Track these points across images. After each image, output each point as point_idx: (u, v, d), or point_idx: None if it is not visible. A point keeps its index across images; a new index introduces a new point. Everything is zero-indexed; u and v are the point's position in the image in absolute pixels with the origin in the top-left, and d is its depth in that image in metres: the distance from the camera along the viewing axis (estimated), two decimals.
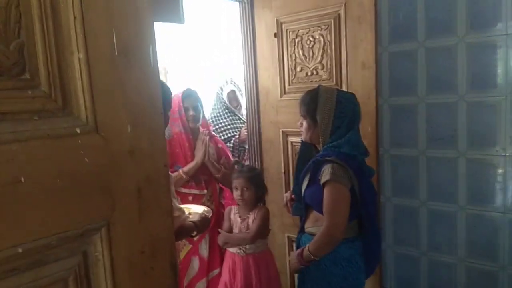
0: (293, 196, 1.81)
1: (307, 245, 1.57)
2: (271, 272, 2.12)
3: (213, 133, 2.49)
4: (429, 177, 2.42)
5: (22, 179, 0.59)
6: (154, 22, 0.77)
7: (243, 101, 2.91)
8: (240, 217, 2.11)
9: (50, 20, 0.61)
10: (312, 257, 1.55)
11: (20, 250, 0.59)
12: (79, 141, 0.65)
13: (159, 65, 0.78)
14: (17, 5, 0.58)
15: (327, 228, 1.51)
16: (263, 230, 2.05)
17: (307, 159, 1.65)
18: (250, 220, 2.07)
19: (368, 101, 1.97)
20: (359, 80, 2.00)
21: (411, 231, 2.54)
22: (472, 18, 2.14)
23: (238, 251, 2.07)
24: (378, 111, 2.06)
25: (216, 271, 2.26)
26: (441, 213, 2.41)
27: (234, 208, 2.16)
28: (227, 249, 2.13)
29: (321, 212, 1.55)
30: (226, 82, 2.92)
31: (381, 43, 2.42)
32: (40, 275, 0.62)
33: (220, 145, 2.35)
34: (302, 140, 1.74)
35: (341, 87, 2.05)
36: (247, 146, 2.75)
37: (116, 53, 0.69)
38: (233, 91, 2.91)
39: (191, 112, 2.19)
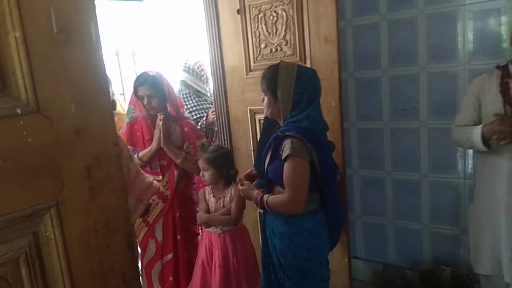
0: (253, 172, 1.82)
1: (267, 197, 1.63)
2: (247, 248, 2.15)
3: (185, 115, 2.44)
4: (393, 148, 2.50)
5: None
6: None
7: (201, 82, 2.87)
8: (214, 196, 2.13)
9: None
10: (267, 208, 1.64)
11: None
12: (21, 122, 0.64)
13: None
14: None
15: (288, 201, 1.55)
16: (242, 209, 2.07)
17: (270, 135, 1.67)
18: (227, 199, 2.08)
19: (331, 76, 1.99)
20: (322, 55, 2.01)
21: (378, 201, 2.63)
22: None
23: (215, 229, 2.09)
24: (342, 85, 2.08)
25: (170, 256, 2.28)
26: (405, 182, 2.50)
27: (207, 189, 2.17)
28: (204, 228, 2.16)
29: (283, 186, 1.58)
30: (184, 69, 2.84)
31: (345, 17, 2.44)
32: None
33: (186, 129, 2.31)
34: (264, 116, 1.75)
35: (305, 63, 2.06)
36: (216, 128, 2.73)
37: (55, 31, 0.68)
38: (183, 81, 2.85)
39: (145, 101, 2.15)
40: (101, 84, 0.75)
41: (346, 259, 2.20)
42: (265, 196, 1.64)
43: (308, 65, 2.06)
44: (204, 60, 2.78)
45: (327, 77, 1.98)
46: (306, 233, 1.64)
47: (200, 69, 2.85)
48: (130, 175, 1.18)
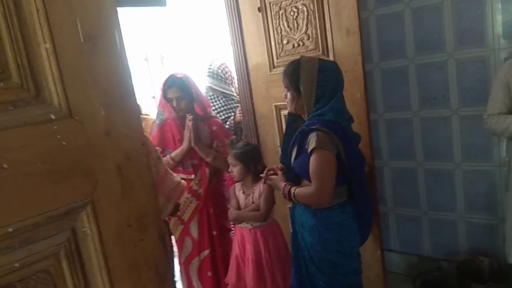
0: (281, 167, 1.83)
1: (295, 189, 1.64)
2: (279, 242, 2.18)
3: (212, 114, 2.50)
4: (424, 138, 2.45)
5: (5, 165, 0.64)
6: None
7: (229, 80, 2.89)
8: (243, 193, 2.17)
9: (14, 15, 0.65)
10: (294, 200, 1.66)
11: (10, 230, 0.64)
12: (55, 126, 0.69)
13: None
14: None
15: (314, 193, 1.56)
16: (271, 205, 2.11)
17: (294, 130, 1.68)
18: (256, 195, 2.12)
19: (355, 67, 1.98)
20: (345, 47, 2.00)
21: (410, 192, 2.58)
22: None
23: (246, 225, 2.13)
24: (367, 76, 2.07)
25: (206, 252, 2.33)
26: (438, 172, 2.45)
27: (237, 185, 2.22)
28: (235, 224, 2.21)
29: (310, 181, 1.59)
30: (208, 75, 2.88)
31: (368, 7, 2.41)
32: (33, 251, 0.68)
33: (215, 128, 2.36)
34: (288, 112, 1.76)
35: (328, 56, 2.06)
36: (243, 126, 2.77)
37: (82, 40, 0.72)
38: (208, 87, 2.88)
39: (174, 103, 2.21)
40: (127, 89, 0.79)
41: (379, 252, 2.18)
42: (293, 188, 1.65)
43: (331, 58, 2.05)
44: (228, 60, 2.81)
45: (351, 69, 1.97)
46: (335, 225, 1.65)
47: (224, 71, 2.88)
48: (159, 175, 1.23)
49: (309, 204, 1.64)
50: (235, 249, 2.21)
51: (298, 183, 1.70)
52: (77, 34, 0.72)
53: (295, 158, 1.66)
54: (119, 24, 0.78)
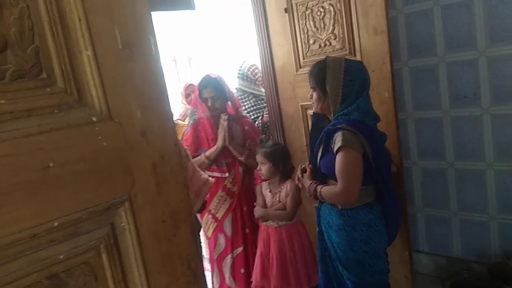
0: (310, 166, 1.84)
1: (321, 188, 1.66)
2: (304, 241, 2.20)
3: (243, 114, 2.54)
4: (454, 137, 2.40)
5: (51, 164, 0.69)
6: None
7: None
8: (270, 191, 2.20)
9: (58, 24, 0.70)
10: (320, 198, 1.67)
11: (56, 224, 0.70)
12: (96, 128, 0.74)
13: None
14: (28, 15, 0.67)
15: (340, 192, 1.56)
16: (298, 205, 2.13)
17: (320, 130, 1.69)
18: (283, 194, 2.14)
19: (383, 67, 1.97)
20: (372, 46, 1.99)
21: (440, 192, 2.54)
22: None
23: (272, 223, 2.16)
24: (395, 75, 2.05)
25: (240, 249, 2.37)
26: (469, 172, 2.40)
27: (264, 184, 2.25)
28: (261, 222, 2.24)
29: (337, 180, 1.60)
30: (238, 76, 2.92)
31: (395, 5, 2.39)
32: (76, 244, 0.73)
33: (247, 127, 2.40)
34: (313, 112, 1.78)
35: (355, 55, 2.06)
36: (270, 126, 2.81)
37: (120, 47, 0.77)
38: (238, 89, 2.90)
39: (208, 103, 2.25)
40: (161, 92, 0.83)
41: (407, 252, 2.16)
42: (319, 187, 1.67)
43: (358, 57, 2.05)
44: (255, 61, 2.84)
45: (379, 68, 1.96)
46: (362, 226, 1.65)
47: (253, 73, 2.92)
48: (188, 173, 1.28)
49: (336, 202, 1.65)
50: (260, 247, 2.25)
51: (325, 183, 1.71)
52: (115, 41, 0.76)
53: (321, 158, 1.67)
54: (154, 31, 0.82)
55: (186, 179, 0.90)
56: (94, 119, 0.74)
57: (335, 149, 1.55)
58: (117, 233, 0.78)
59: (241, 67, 2.89)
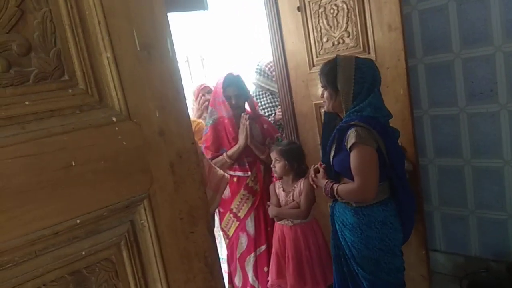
0: (322, 166, 1.83)
1: (337, 186, 1.66)
2: (319, 240, 2.20)
3: (260, 113, 2.55)
4: (471, 134, 2.37)
5: (73, 163, 0.71)
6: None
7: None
8: (284, 190, 2.20)
9: (79, 28, 0.72)
10: (337, 196, 1.67)
11: (78, 221, 0.72)
12: (116, 128, 0.76)
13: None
14: (51, 19, 0.70)
15: (358, 188, 1.55)
16: (312, 203, 2.13)
17: (331, 129, 1.70)
18: (296, 192, 2.14)
19: (398, 64, 1.96)
20: (386, 43, 1.98)
21: (457, 190, 2.51)
22: None
23: (286, 222, 2.16)
24: (410, 72, 2.04)
25: (263, 247, 2.37)
26: (486, 170, 2.36)
27: (277, 183, 2.26)
28: (276, 221, 2.24)
29: (351, 178, 1.60)
30: (256, 71, 2.93)
31: (409, 2, 2.36)
32: (97, 241, 0.75)
33: (265, 126, 2.41)
34: (325, 111, 1.79)
35: (369, 53, 2.05)
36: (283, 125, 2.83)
37: (139, 49, 0.79)
38: (255, 84, 2.93)
39: (233, 101, 2.26)
40: (178, 92, 0.85)
41: (424, 251, 2.15)
42: (335, 185, 1.67)
43: (372, 54, 2.05)
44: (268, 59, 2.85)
45: (394, 65, 1.95)
46: (378, 223, 1.64)
47: (271, 70, 2.92)
48: (204, 170, 1.30)
49: (354, 200, 1.64)
50: (275, 246, 2.25)
51: (338, 181, 1.71)
52: (134, 43, 0.78)
53: (334, 156, 1.67)
54: (170, 32, 0.84)
55: (203, 176, 0.92)
56: (114, 119, 0.76)
57: (348, 146, 1.55)
58: (137, 230, 0.80)
59: (259, 63, 2.90)
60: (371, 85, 1.59)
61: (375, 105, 1.59)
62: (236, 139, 2.27)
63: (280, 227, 2.20)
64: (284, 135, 2.81)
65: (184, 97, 0.87)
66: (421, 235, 2.12)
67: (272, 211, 2.16)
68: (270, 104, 2.94)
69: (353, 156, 1.55)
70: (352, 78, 1.59)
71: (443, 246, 2.67)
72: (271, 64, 2.91)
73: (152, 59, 0.81)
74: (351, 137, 1.53)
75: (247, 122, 2.21)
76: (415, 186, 1.98)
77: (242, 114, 2.25)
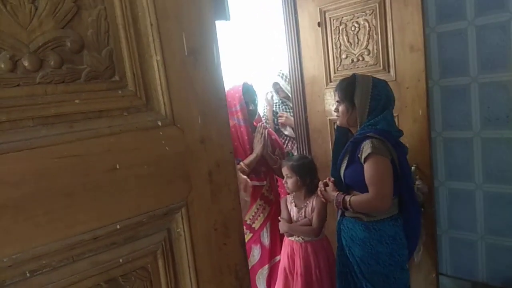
0: (331, 180, 1.84)
1: (350, 197, 1.67)
2: (330, 258, 2.16)
3: (266, 125, 2.57)
4: (484, 159, 2.36)
5: (118, 166, 0.69)
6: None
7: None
8: (296, 206, 2.17)
9: (132, 28, 0.71)
10: (349, 208, 1.67)
11: (118, 227, 0.69)
12: (161, 133, 0.74)
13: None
14: (105, 17, 0.68)
15: (374, 198, 1.57)
16: (324, 221, 2.10)
17: (343, 144, 1.74)
18: (308, 209, 2.12)
19: (418, 84, 1.96)
20: (407, 63, 1.98)
21: (467, 215, 2.49)
22: None
23: (297, 238, 2.13)
24: (429, 93, 2.04)
25: (278, 258, 2.33)
26: (498, 196, 2.35)
27: (289, 197, 2.23)
28: (286, 236, 2.21)
29: (362, 191, 1.62)
30: (278, 74, 2.96)
31: (429, 24, 2.38)
32: (135, 248, 0.72)
33: (273, 137, 2.41)
34: (337, 126, 1.82)
35: (388, 71, 2.05)
36: (286, 132, 2.85)
37: (186, 54, 0.78)
38: (276, 83, 2.95)
39: (250, 107, 2.25)
40: (221, 100, 0.83)
41: (434, 275, 2.12)
42: (347, 197, 1.68)
43: (391, 73, 2.05)
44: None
45: (414, 86, 1.95)
46: (388, 238, 1.65)
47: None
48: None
49: (368, 210, 1.65)
50: (284, 262, 2.21)
51: (347, 194, 1.72)
52: (182, 47, 0.77)
53: (346, 168, 1.69)
54: (217, 39, 0.83)
55: (238, 188, 0.90)
56: (160, 123, 0.74)
57: (363, 157, 1.58)
58: (173, 238, 0.78)
59: (281, 69, 2.92)
60: (385, 103, 1.65)
61: (389, 120, 1.65)
62: (250, 149, 2.26)
63: (290, 243, 2.16)
64: (295, 147, 2.80)
65: (226, 104, 0.86)
66: (432, 259, 2.10)
67: (283, 226, 2.13)
68: (282, 106, 2.98)
69: (368, 166, 1.58)
70: (369, 93, 1.65)
71: (450, 270, 2.64)
72: None
73: (197, 65, 0.80)
74: (366, 147, 1.57)
75: (265, 131, 2.20)
76: (429, 208, 1.96)
77: (260, 123, 2.24)
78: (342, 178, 1.73)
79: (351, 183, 1.70)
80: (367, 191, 1.61)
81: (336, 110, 1.77)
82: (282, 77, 2.89)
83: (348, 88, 1.70)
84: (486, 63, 2.25)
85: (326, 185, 1.85)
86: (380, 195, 1.57)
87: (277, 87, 2.97)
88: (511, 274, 2.36)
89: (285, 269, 2.17)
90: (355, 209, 1.67)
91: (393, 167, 1.59)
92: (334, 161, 1.83)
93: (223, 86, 0.85)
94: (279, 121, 2.90)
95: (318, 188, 1.88)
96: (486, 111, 2.30)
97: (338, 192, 1.74)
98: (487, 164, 2.36)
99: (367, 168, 1.58)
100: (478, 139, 2.36)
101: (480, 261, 2.49)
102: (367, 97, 1.64)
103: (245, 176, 1.49)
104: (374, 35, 2.08)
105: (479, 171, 2.39)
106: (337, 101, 1.77)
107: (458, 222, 2.53)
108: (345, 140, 1.77)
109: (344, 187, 1.74)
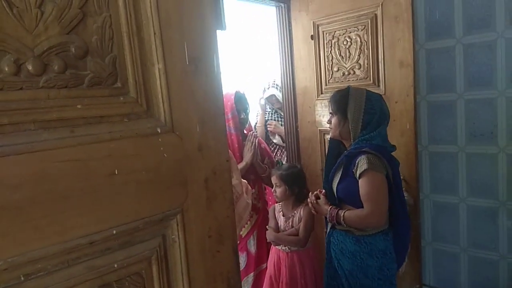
0: (323, 192, 1.82)
1: (344, 212, 1.65)
2: (316, 268, 2.17)
3: (255, 132, 2.59)
4: (469, 173, 2.42)
5: (116, 172, 0.69)
6: None
7: None
8: (283, 215, 2.18)
9: (135, 36, 0.72)
10: (343, 223, 1.65)
11: (114, 232, 0.70)
12: (160, 139, 0.75)
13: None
14: (110, 24, 0.69)
15: (368, 215, 1.57)
16: (311, 231, 2.11)
17: (335, 156, 1.74)
18: (296, 219, 2.13)
19: (407, 99, 2.01)
20: (397, 78, 2.03)
21: (450, 227, 2.54)
22: (511, 14, 2.13)
23: (283, 248, 2.14)
24: (416, 108, 2.08)
25: (264, 265, 2.34)
26: (482, 209, 2.40)
27: (277, 206, 2.24)
28: (273, 245, 2.22)
29: (354, 205, 1.62)
30: (269, 85, 2.99)
31: (418, 41, 2.44)
32: (130, 253, 0.72)
33: (263, 146, 2.43)
34: (330, 138, 1.81)
35: (378, 86, 2.10)
36: (275, 141, 2.88)
37: (187, 63, 0.79)
38: (271, 95, 2.98)
39: (242, 115, 2.27)
40: (219, 108, 0.85)
41: (418, 286, 2.15)
42: (341, 211, 1.66)
43: (381, 88, 2.09)
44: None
45: (402, 100, 1.99)
46: (379, 252, 1.65)
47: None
48: (236, 193, 1.28)
49: (363, 226, 1.64)
50: (270, 270, 2.22)
51: (340, 208, 1.71)
52: (184, 56, 0.78)
53: (339, 182, 1.68)
54: (217, 48, 0.84)
55: (233, 197, 0.91)
56: (159, 130, 0.75)
57: (358, 172, 1.57)
58: (167, 245, 0.78)
59: (275, 80, 2.96)
60: (379, 118, 1.64)
61: (383, 136, 1.65)
62: (240, 157, 2.27)
63: (276, 252, 2.17)
64: (284, 155, 2.83)
65: (223, 113, 0.87)
66: (416, 270, 2.13)
67: (270, 235, 2.14)
68: (275, 115, 3.02)
69: (364, 182, 1.57)
70: (362, 107, 1.64)
71: (432, 281, 2.67)
72: None
73: (198, 73, 0.81)
74: (361, 163, 1.56)
75: (256, 140, 2.22)
76: (414, 220, 2.00)
77: (251, 132, 2.26)
78: (335, 192, 1.72)
79: (344, 197, 1.69)
80: (360, 205, 1.60)
81: (329, 121, 1.77)
82: (277, 88, 2.92)
83: (341, 101, 1.69)
84: (473, 81, 2.32)
85: (317, 197, 1.83)
86: (376, 212, 1.57)
87: (272, 99, 2.99)
88: (491, 287, 2.41)
89: (271, 277, 2.18)
90: (349, 225, 1.66)
91: (388, 182, 1.60)
92: (326, 173, 1.82)
93: (222, 95, 0.86)
94: (268, 129, 2.94)
95: (309, 200, 1.87)
96: (471, 127, 2.36)
97: (331, 206, 1.72)
98: (471, 178, 2.42)
99: (363, 184, 1.57)
100: (463, 154, 2.42)
101: (462, 273, 2.54)
102: (360, 110, 1.64)
103: (244, 180, 1.50)
104: (365, 50, 2.12)
105: (463, 185, 2.45)
106: (330, 113, 1.76)
107: (442, 234, 2.58)
108: (337, 153, 1.77)
109: (335, 200, 1.73)
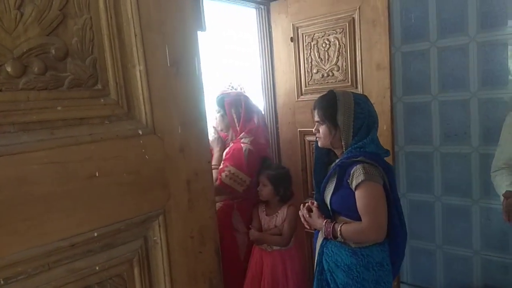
0: (315, 204, 1.68)
1: (340, 226, 1.52)
2: (297, 267, 2.18)
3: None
4: (443, 173, 2.49)
5: (97, 174, 0.69)
6: None
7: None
8: (267, 215, 2.19)
9: (116, 38, 0.72)
10: (339, 237, 1.53)
11: (95, 234, 0.70)
12: (141, 141, 0.75)
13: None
14: (91, 26, 0.69)
15: (368, 229, 1.47)
16: (294, 231, 2.12)
17: (324, 165, 1.66)
18: (279, 219, 2.14)
19: (383, 101, 2.05)
20: (374, 81, 2.07)
21: (426, 225, 2.61)
22: (483, 18, 2.22)
23: (266, 247, 2.15)
24: (393, 109, 2.13)
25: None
26: (456, 207, 2.48)
27: (261, 206, 2.25)
28: (255, 244, 2.22)
29: (350, 217, 1.52)
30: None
31: (394, 44, 2.50)
32: (112, 256, 0.72)
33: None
34: (316, 146, 1.69)
35: (356, 87, 2.14)
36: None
37: (169, 65, 0.79)
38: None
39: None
40: (200, 110, 0.85)
41: (396, 283, 2.19)
42: (337, 225, 1.54)
43: (359, 89, 2.13)
44: (257, 84, 2.88)
45: (379, 102, 2.04)
46: (375, 265, 1.54)
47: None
48: None
49: (363, 240, 1.53)
50: (252, 269, 2.22)
51: (334, 220, 1.59)
52: (165, 59, 0.79)
53: (333, 193, 1.56)
54: (199, 51, 0.85)
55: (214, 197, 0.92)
56: (140, 132, 0.75)
57: (354, 183, 1.46)
58: (149, 246, 0.78)
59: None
60: (370, 121, 1.56)
61: (376, 142, 1.56)
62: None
63: (258, 251, 2.18)
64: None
65: (205, 115, 0.88)
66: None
67: (253, 235, 2.15)
68: None
69: (361, 194, 1.46)
70: (352, 112, 1.53)
71: (409, 278, 2.74)
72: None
73: (179, 76, 0.82)
74: (357, 174, 1.46)
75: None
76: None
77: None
78: (328, 204, 1.59)
79: (339, 209, 1.57)
80: (357, 217, 1.49)
81: (317, 131, 1.62)
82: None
83: (329, 108, 1.55)
84: (446, 83, 2.39)
85: (309, 210, 1.69)
86: (376, 226, 1.46)
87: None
88: (466, 282, 2.49)
89: (253, 276, 2.18)
90: (346, 239, 1.53)
91: (386, 192, 1.49)
92: (316, 184, 1.68)
93: (203, 97, 0.87)
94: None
95: (300, 213, 1.72)
96: (445, 128, 2.44)
97: (326, 220, 1.59)
98: (446, 177, 2.49)
99: (361, 196, 1.46)
100: (438, 153, 2.49)
101: (438, 269, 2.61)
102: (350, 117, 1.52)
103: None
104: (344, 53, 2.16)
105: (438, 183, 2.52)
106: (317, 122, 1.61)
107: (418, 232, 2.64)
108: (326, 161, 1.67)
109: (329, 212, 1.60)
